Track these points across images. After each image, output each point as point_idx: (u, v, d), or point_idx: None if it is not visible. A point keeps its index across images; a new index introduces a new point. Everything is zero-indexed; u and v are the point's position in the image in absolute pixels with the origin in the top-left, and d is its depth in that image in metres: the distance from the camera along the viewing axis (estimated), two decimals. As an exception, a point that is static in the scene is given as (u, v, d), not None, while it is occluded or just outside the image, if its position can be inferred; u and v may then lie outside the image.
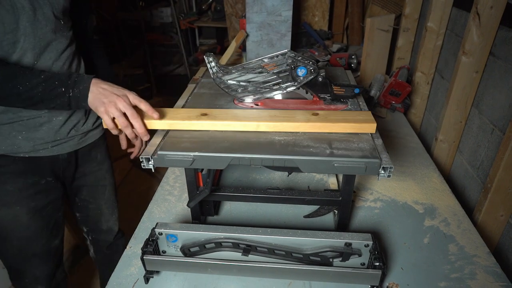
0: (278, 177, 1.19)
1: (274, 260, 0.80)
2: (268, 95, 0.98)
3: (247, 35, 1.89)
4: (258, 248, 0.79)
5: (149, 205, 1.08)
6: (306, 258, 0.79)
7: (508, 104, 1.05)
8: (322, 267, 0.78)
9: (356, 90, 0.98)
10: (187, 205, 0.92)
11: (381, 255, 0.76)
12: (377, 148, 0.79)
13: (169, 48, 4.21)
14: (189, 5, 4.09)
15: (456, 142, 1.34)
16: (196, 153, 0.76)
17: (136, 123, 0.84)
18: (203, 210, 1.00)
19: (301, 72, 0.94)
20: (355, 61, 1.95)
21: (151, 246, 0.80)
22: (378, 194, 1.13)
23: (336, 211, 0.98)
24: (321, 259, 0.79)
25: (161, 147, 0.79)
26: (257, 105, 0.98)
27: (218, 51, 3.44)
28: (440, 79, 1.52)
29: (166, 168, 1.26)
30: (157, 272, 0.85)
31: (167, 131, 0.86)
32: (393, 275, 0.85)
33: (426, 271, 0.87)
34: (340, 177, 1.11)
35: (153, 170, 0.78)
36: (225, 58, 1.94)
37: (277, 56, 0.94)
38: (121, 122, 0.84)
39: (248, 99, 0.98)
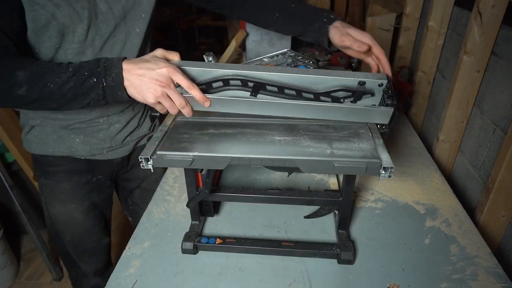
0: (278, 178, 1.19)
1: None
2: (268, 95, 0.97)
3: (247, 34, 1.89)
4: (267, 87, 0.75)
5: (148, 205, 1.08)
6: (316, 98, 0.76)
7: (510, 103, 1.04)
8: (334, 103, 0.75)
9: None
10: (187, 205, 0.91)
11: (394, 94, 0.73)
12: (378, 148, 0.78)
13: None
14: (189, 4, 4.09)
15: (458, 142, 1.33)
16: (196, 153, 0.75)
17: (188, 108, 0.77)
18: (202, 211, 1.00)
19: (301, 71, 0.93)
20: (355, 60, 1.94)
21: None
22: (378, 194, 1.12)
23: (337, 212, 0.98)
24: (332, 99, 0.76)
25: (160, 147, 0.78)
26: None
27: (218, 50, 3.44)
28: (441, 79, 1.51)
29: (166, 169, 1.26)
30: (157, 273, 0.85)
31: (167, 131, 0.85)
32: (394, 275, 0.85)
33: (427, 272, 0.86)
34: (341, 178, 1.10)
35: (152, 171, 0.77)
36: (225, 57, 1.93)
37: (277, 55, 0.94)
38: (173, 111, 0.77)
39: (248, 99, 0.98)
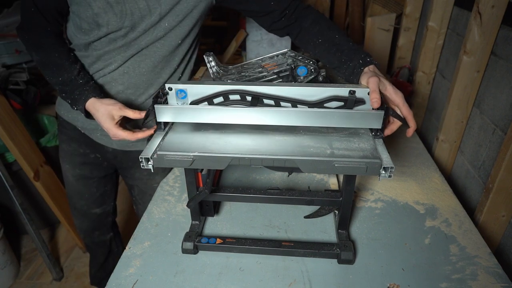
0: (278, 178, 1.19)
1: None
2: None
3: (247, 34, 1.89)
4: (264, 101, 0.83)
5: (149, 205, 1.08)
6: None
7: (510, 104, 1.04)
8: (329, 109, 0.82)
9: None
10: (187, 205, 0.91)
11: (384, 101, 0.80)
12: (378, 148, 0.78)
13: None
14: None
15: (457, 142, 1.33)
16: (196, 153, 0.75)
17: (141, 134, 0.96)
18: (202, 211, 1.00)
19: (301, 71, 0.93)
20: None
21: (161, 99, 0.83)
22: (379, 194, 1.12)
23: (337, 212, 0.98)
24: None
25: (161, 147, 0.79)
26: (257, 104, 0.98)
27: (218, 51, 3.43)
28: (441, 79, 1.51)
29: (168, 173, 1.26)
30: (157, 273, 0.85)
31: (167, 131, 0.86)
32: (394, 275, 0.85)
33: (427, 272, 0.86)
34: (341, 178, 1.10)
35: (152, 171, 0.77)
36: (225, 57, 1.94)
37: (277, 55, 0.94)
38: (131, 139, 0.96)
39: (248, 99, 0.98)
